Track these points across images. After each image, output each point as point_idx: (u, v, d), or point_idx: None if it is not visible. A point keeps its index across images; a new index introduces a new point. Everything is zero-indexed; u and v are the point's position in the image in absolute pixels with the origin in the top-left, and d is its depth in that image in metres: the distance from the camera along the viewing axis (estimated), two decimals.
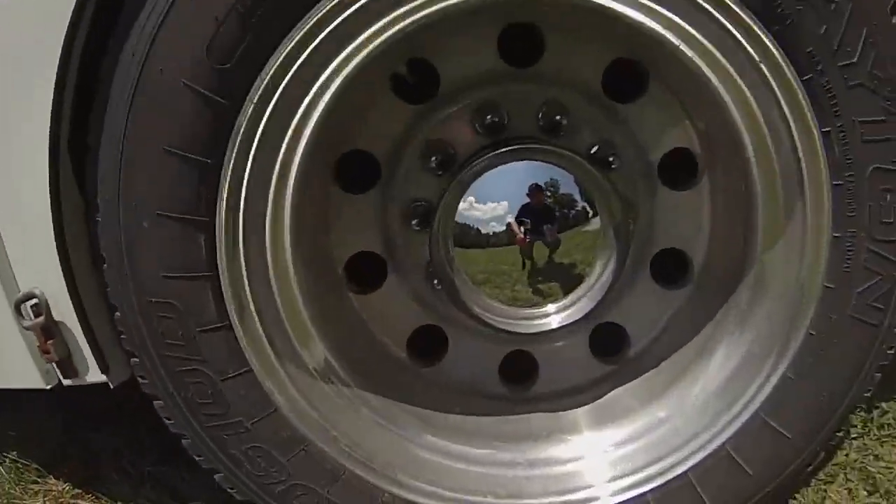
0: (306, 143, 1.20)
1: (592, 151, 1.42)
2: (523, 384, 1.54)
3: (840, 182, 1.23)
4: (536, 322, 1.40)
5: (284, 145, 1.19)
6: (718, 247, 1.45)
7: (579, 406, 1.50)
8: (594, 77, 1.39)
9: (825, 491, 1.55)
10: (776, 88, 1.21)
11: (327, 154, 1.35)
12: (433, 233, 1.34)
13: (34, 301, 1.29)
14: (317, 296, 1.34)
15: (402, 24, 1.15)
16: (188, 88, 1.12)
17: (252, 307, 1.24)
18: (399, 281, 1.46)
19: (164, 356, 1.25)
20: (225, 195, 1.18)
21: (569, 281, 1.37)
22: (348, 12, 1.12)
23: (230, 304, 1.23)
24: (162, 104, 1.12)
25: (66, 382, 1.37)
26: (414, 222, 1.41)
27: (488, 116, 1.39)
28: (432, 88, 1.39)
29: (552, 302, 1.39)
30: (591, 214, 1.35)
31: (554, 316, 1.39)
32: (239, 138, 1.16)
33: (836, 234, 1.26)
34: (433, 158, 1.39)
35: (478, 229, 1.33)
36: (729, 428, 1.36)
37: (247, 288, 1.23)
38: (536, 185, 1.32)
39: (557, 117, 1.39)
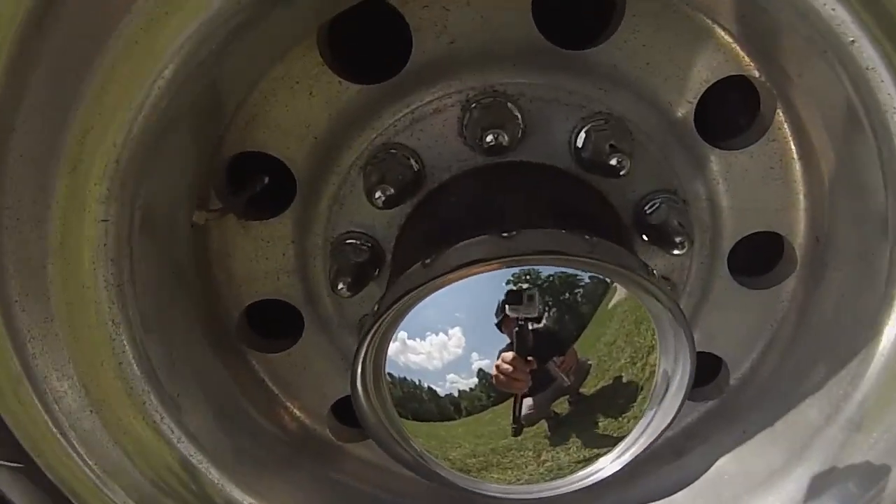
0: None
1: (579, 144, 0.79)
2: None
3: None
4: (589, 478, 0.84)
5: None
6: (826, 211, 0.83)
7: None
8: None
9: None
10: None
11: None
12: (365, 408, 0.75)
13: None
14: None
15: None
16: None
17: None
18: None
19: None
20: None
21: (623, 406, 0.78)
22: None
23: None
24: None
25: None
26: None
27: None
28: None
29: (607, 452, 0.81)
30: (609, 282, 0.74)
31: (614, 463, 0.82)
32: None
33: None
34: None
35: (432, 391, 0.76)
36: None
37: None
38: (505, 301, 0.70)
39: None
